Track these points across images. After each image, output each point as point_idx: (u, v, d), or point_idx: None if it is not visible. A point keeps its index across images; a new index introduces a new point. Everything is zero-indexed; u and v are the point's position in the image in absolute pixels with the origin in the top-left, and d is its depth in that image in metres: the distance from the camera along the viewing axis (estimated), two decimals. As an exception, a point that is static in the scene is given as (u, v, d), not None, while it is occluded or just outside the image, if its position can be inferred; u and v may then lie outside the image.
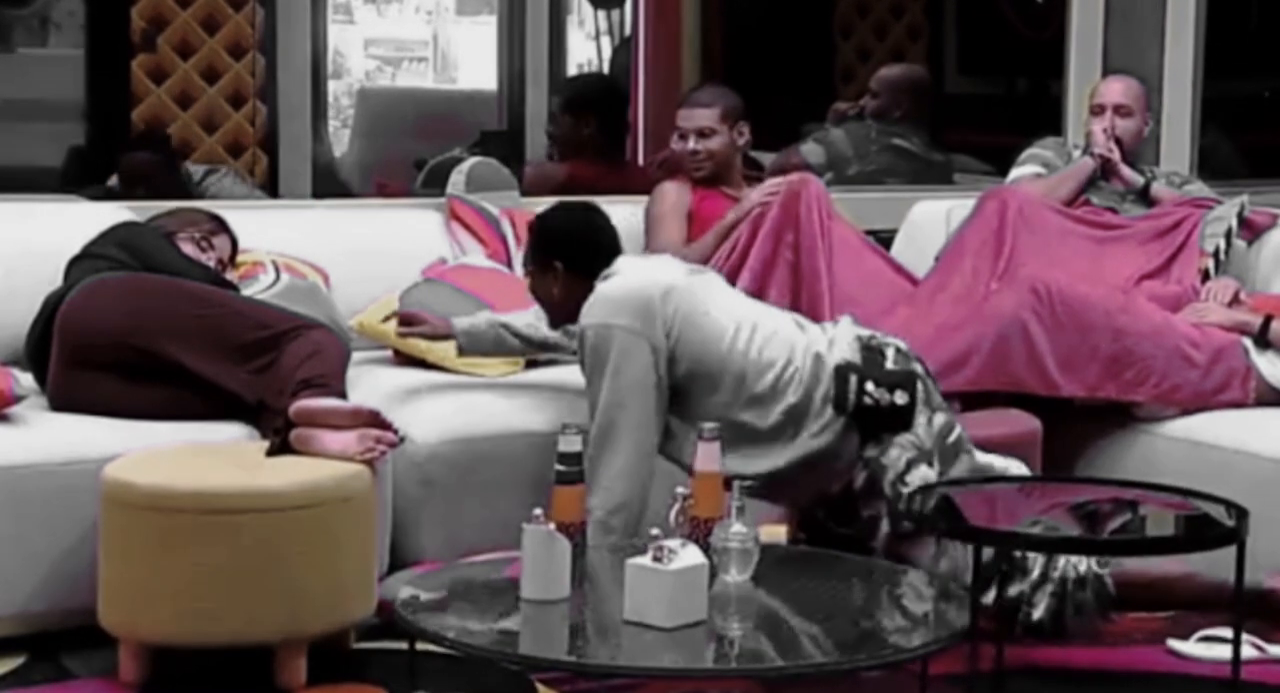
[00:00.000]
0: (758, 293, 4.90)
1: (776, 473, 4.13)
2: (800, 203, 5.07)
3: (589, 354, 4.12)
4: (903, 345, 4.20)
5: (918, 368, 4.16)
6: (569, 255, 4.27)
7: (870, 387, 4.06)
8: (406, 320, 4.68)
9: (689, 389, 4.15)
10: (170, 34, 6.59)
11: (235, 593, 3.85)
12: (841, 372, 4.09)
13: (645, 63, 7.51)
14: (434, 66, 10.05)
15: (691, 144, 5.37)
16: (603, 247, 4.29)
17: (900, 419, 4.07)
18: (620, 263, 4.26)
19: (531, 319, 4.56)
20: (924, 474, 4.05)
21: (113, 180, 6.10)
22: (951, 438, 4.12)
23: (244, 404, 4.30)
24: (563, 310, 4.34)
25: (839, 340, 4.16)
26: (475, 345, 4.65)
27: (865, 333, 4.21)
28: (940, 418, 4.12)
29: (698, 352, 4.13)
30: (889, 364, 4.11)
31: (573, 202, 4.52)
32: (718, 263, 5.04)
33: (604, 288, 4.16)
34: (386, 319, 4.80)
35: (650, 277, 4.18)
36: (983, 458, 4.16)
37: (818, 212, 5.07)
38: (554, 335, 4.57)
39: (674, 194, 5.40)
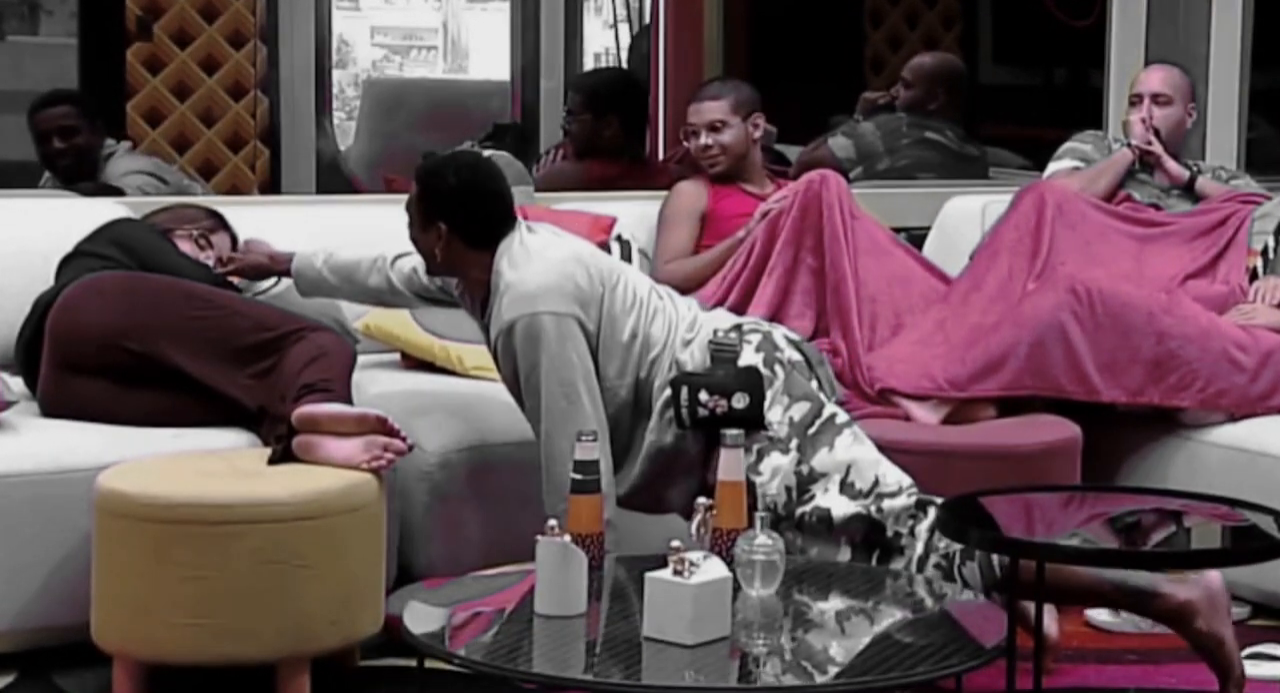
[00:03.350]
0: (781, 303, 4.87)
1: (640, 480, 4.09)
2: (821, 203, 4.99)
3: (520, 348, 4.00)
4: (777, 333, 4.11)
5: (788, 355, 4.06)
6: (455, 221, 4.11)
7: (704, 396, 3.98)
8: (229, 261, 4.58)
9: (598, 359, 4.07)
10: (167, 22, 6.62)
11: (235, 608, 3.81)
12: (673, 386, 4.03)
13: (666, 51, 7.45)
14: (444, 56, 10.06)
15: (703, 139, 5.31)
16: (493, 216, 4.13)
17: (747, 422, 3.95)
18: (522, 244, 4.08)
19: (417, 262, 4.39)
20: (775, 462, 3.97)
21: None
22: (814, 428, 4.01)
23: (244, 410, 4.25)
24: (441, 268, 4.22)
25: (696, 342, 4.08)
26: (311, 287, 4.55)
27: (725, 326, 4.11)
28: (802, 407, 4.02)
29: (616, 321, 4.05)
30: (746, 358, 4.01)
31: (470, 158, 4.34)
32: (728, 276, 4.99)
33: (519, 280, 4.01)
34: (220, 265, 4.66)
35: (563, 251, 4.07)
36: (866, 455, 4.00)
37: (840, 210, 5.01)
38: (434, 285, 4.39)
39: (688, 195, 5.35)
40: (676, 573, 3.21)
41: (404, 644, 3.37)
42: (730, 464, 3.58)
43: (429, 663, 3.43)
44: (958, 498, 3.79)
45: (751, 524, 3.43)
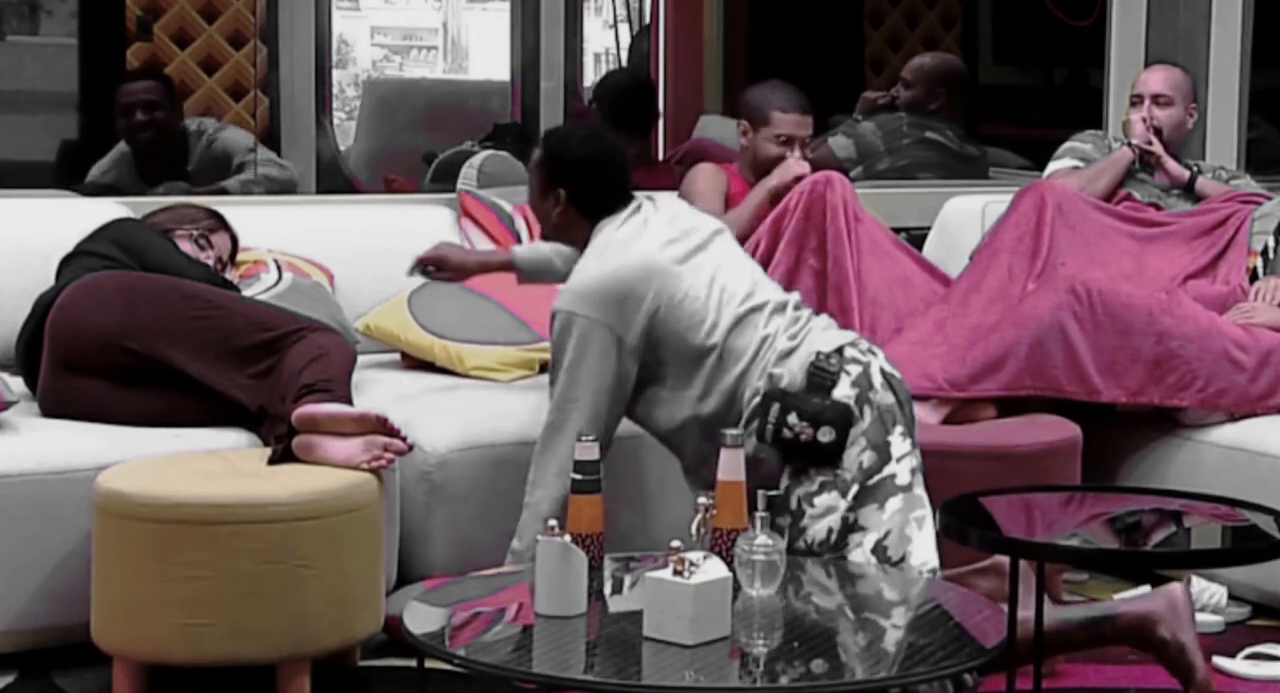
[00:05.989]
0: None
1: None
2: (825, 204, 4.99)
3: (553, 339, 4.05)
4: (874, 368, 4.00)
5: (879, 398, 3.97)
6: (574, 188, 4.15)
7: (793, 419, 3.92)
8: (431, 264, 4.53)
9: (665, 371, 4.04)
10: (167, 21, 6.58)
11: (235, 608, 3.80)
12: (765, 399, 3.96)
13: (666, 51, 7.43)
14: (444, 55, 10.04)
15: (802, 152, 5.24)
16: (611, 186, 4.17)
17: (824, 456, 3.92)
18: (615, 229, 4.09)
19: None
20: (831, 500, 3.92)
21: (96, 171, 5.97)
22: (873, 481, 3.94)
23: (244, 410, 4.24)
24: (554, 234, 4.26)
25: (796, 356, 4.01)
26: (536, 274, 4.54)
27: (829, 348, 4.02)
28: (872, 456, 3.94)
29: (679, 336, 4.01)
30: (841, 390, 3.94)
31: (594, 130, 4.36)
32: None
33: (579, 273, 4.05)
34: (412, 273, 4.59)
35: (633, 257, 4.04)
36: (905, 526, 3.92)
37: (844, 211, 5.01)
38: None
39: (710, 175, 5.32)
40: (676, 573, 3.19)
41: (404, 644, 3.36)
42: (730, 464, 3.56)
43: (429, 663, 3.41)
44: (958, 498, 3.79)
45: (752, 524, 3.41)
